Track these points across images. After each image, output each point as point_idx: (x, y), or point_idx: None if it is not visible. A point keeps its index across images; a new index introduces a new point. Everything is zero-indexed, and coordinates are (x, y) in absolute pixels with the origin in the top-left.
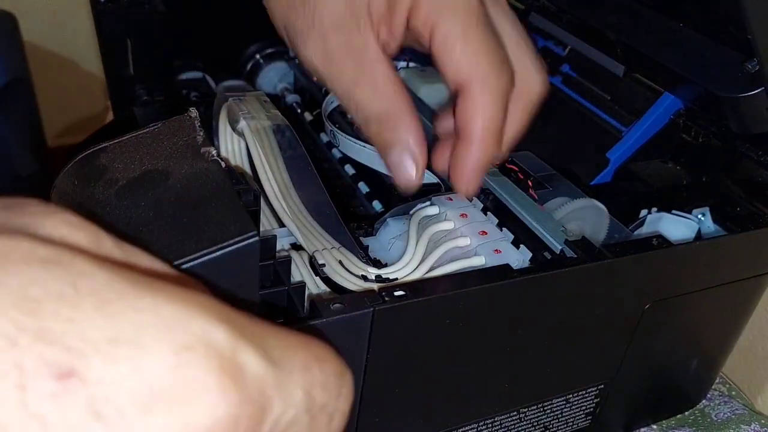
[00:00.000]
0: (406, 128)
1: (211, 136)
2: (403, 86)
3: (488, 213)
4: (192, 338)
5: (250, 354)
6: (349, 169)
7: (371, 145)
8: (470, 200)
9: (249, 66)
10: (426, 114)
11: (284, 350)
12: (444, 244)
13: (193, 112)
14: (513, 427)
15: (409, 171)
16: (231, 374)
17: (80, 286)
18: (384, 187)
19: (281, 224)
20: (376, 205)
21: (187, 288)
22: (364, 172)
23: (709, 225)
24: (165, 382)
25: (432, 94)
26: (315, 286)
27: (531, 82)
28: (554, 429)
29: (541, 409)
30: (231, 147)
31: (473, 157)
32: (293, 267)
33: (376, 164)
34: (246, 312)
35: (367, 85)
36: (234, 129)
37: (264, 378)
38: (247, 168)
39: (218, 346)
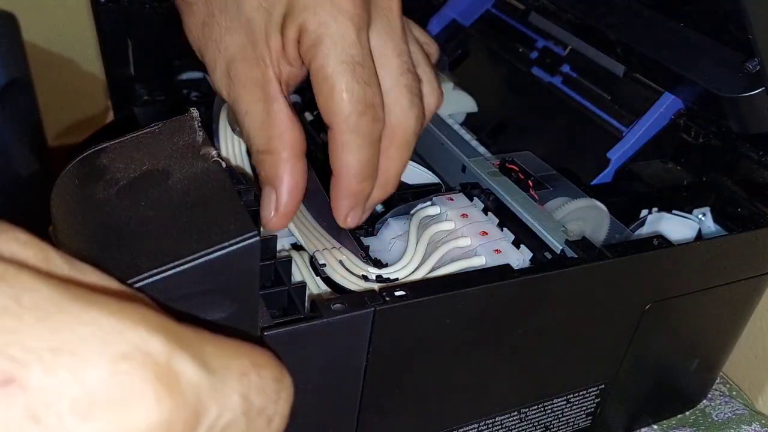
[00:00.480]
0: (281, 170)
1: (212, 137)
2: (293, 129)
3: (489, 213)
4: (129, 348)
5: (186, 362)
6: None
7: None
8: (472, 200)
9: None
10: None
11: (221, 357)
12: (445, 244)
13: (194, 112)
14: (514, 427)
15: (268, 211)
16: (166, 381)
17: (24, 300)
18: None
19: None
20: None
21: (130, 302)
22: None
23: (709, 225)
24: (103, 390)
25: None
26: (315, 286)
27: (404, 119)
28: (555, 429)
29: (542, 409)
30: (231, 147)
31: (340, 192)
32: (294, 267)
33: None
34: (188, 324)
35: (256, 118)
36: (234, 130)
37: (199, 384)
38: (247, 168)
39: (154, 354)
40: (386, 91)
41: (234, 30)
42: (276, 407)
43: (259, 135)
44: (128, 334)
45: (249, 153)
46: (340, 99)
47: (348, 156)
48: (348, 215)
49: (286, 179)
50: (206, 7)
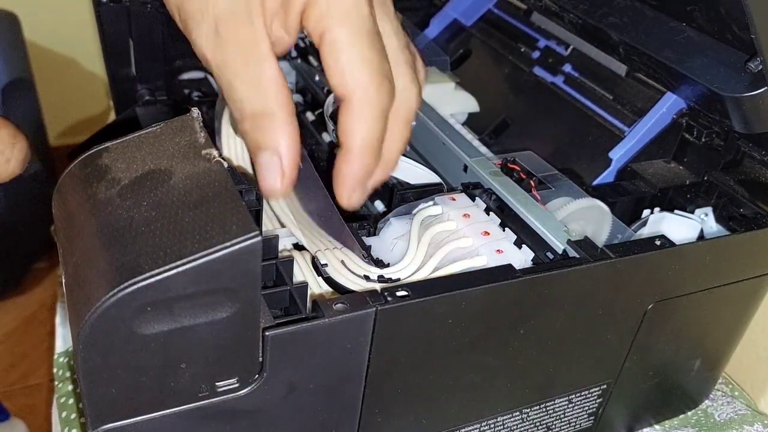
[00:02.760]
0: (280, 132)
1: (213, 136)
2: (286, 90)
3: (491, 213)
4: None
5: None
6: None
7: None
8: (473, 200)
9: None
10: (432, 116)
11: None
12: (446, 244)
13: (195, 112)
14: (516, 427)
15: (274, 177)
16: None
17: None
18: (386, 186)
19: (283, 224)
20: (379, 204)
21: None
22: None
23: (711, 225)
24: None
25: (431, 93)
26: (317, 286)
27: (409, 96)
28: (557, 429)
29: (544, 410)
30: (233, 146)
31: (352, 169)
32: (295, 267)
33: None
34: None
35: (248, 80)
36: (235, 130)
37: None
38: (248, 168)
39: None
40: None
41: None
42: (12, 151)
43: (254, 97)
44: None
45: (236, 124)
46: (360, 70)
47: (362, 127)
48: (352, 194)
49: (289, 141)
50: None
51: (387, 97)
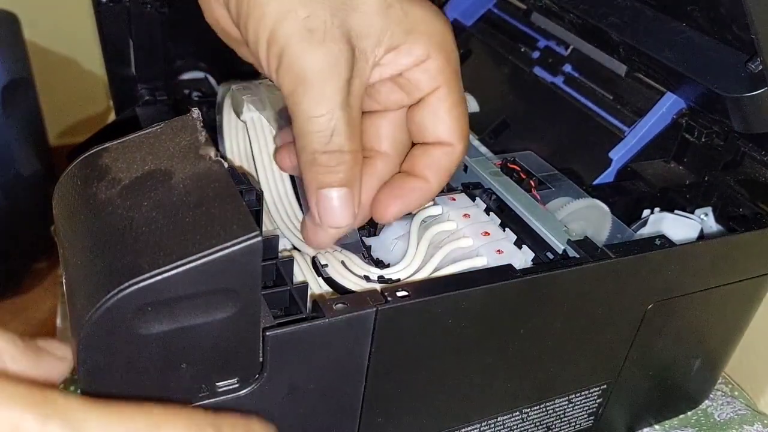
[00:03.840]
0: (360, 171)
1: (215, 136)
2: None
3: (491, 213)
4: (7, 427)
5: (57, 428)
6: None
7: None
8: (473, 200)
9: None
10: None
11: (108, 425)
12: (446, 245)
13: (195, 112)
14: (516, 427)
15: (350, 214)
16: None
17: None
18: None
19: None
20: None
21: (8, 382)
22: None
23: (711, 225)
24: None
25: None
26: (317, 286)
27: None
28: (557, 429)
29: (544, 410)
30: (235, 141)
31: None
32: (295, 268)
33: None
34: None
35: (335, 118)
36: (239, 115)
37: None
38: (251, 166)
39: (27, 429)
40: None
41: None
42: None
43: (341, 135)
44: (5, 414)
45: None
46: (463, 120)
47: (445, 176)
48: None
49: (364, 177)
50: None
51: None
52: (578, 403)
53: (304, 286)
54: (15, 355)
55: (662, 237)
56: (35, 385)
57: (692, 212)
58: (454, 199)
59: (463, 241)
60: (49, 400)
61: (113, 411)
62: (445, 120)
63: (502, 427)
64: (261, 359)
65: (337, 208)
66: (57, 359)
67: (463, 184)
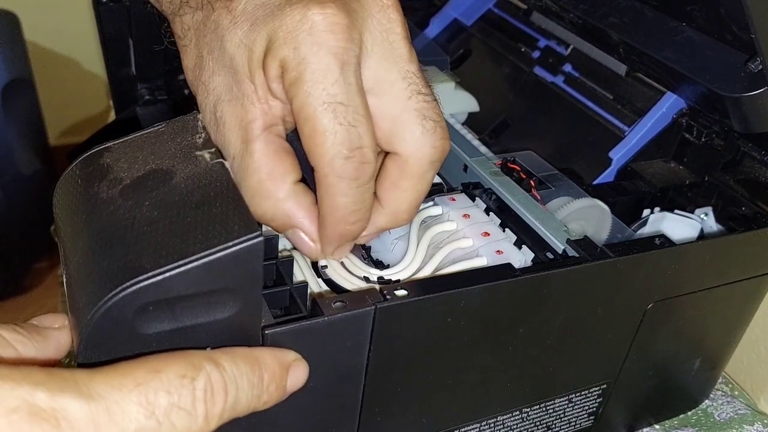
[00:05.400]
0: (289, 213)
1: None
2: (281, 160)
3: (491, 213)
4: (18, 402)
5: (69, 399)
6: None
7: None
8: (473, 201)
9: None
10: None
11: (111, 379)
12: (447, 245)
13: (197, 112)
14: (515, 426)
15: (308, 248)
16: (53, 421)
17: None
18: None
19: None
20: None
21: (17, 367)
22: None
23: (711, 225)
24: None
25: None
26: (317, 287)
27: (416, 148)
28: (557, 429)
29: (544, 409)
30: None
31: (326, 233)
32: (295, 268)
33: None
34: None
35: (242, 161)
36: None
37: (88, 412)
38: None
39: (39, 404)
40: (394, 117)
41: (219, 70)
42: (194, 398)
43: (250, 180)
44: (15, 391)
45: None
46: (322, 142)
47: (333, 200)
48: (334, 252)
49: (300, 216)
50: (196, 48)
51: (356, 169)
52: (578, 402)
53: (304, 285)
54: (24, 341)
55: (662, 237)
56: (41, 366)
57: (692, 212)
58: (454, 200)
59: (463, 241)
60: (56, 374)
61: (115, 369)
62: (302, 138)
63: (501, 426)
64: None
65: (300, 246)
66: (58, 331)
67: (463, 184)
